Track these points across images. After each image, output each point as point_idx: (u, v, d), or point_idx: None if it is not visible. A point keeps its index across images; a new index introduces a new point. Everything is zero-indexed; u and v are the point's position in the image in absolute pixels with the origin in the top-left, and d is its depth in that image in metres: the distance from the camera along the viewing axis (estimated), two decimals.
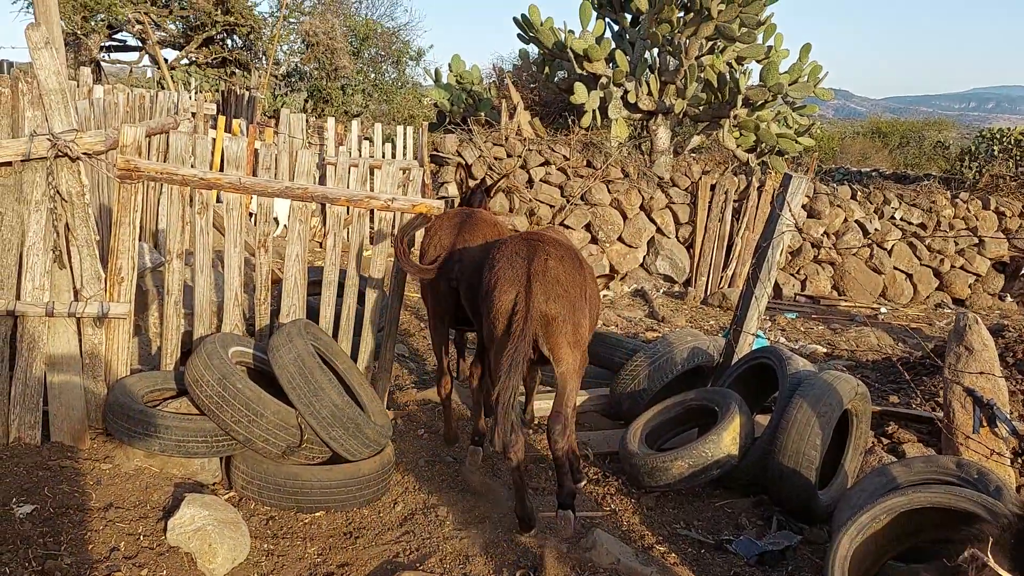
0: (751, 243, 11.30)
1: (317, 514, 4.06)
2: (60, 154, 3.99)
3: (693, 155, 13.14)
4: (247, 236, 4.93)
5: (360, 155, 11.58)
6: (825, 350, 8.78)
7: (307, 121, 12.60)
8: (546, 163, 12.07)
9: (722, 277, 11.92)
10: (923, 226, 12.72)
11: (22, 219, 4.06)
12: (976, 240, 12.60)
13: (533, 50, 13.76)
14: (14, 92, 4.00)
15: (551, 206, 11.91)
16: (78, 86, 8.37)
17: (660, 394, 5.35)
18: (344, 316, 5.01)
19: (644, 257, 12.21)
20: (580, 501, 4.53)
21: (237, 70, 22.31)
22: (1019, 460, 4.54)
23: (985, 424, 4.31)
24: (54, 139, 3.95)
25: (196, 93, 16.48)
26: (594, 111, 12.28)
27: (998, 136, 17.35)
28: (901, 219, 12.72)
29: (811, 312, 11.22)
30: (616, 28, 13.31)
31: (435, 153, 12.12)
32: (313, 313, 5.00)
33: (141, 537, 3.51)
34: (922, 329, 10.53)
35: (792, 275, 12.39)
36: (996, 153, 16.36)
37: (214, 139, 10.36)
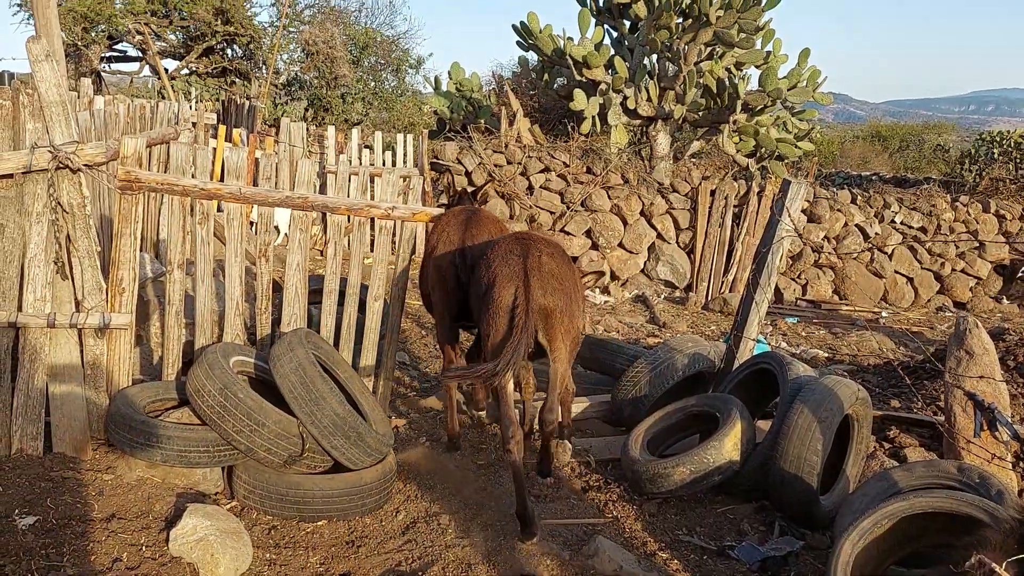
0: (752, 248, 11.30)
1: (319, 523, 4.06)
2: (61, 166, 4.01)
3: (693, 161, 13.17)
4: (248, 245, 4.94)
5: (361, 163, 11.60)
6: (826, 355, 8.77)
7: (307, 130, 12.62)
8: (546, 170, 12.09)
9: (723, 282, 11.92)
10: (923, 230, 12.72)
11: (23, 231, 4.07)
12: (977, 243, 12.61)
13: (532, 57, 13.81)
14: (15, 104, 4.02)
15: (551, 212, 11.93)
16: (79, 97, 8.40)
17: (661, 400, 5.35)
18: (345, 325, 5.02)
19: (645, 263, 12.22)
20: (582, 508, 4.54)
21: (237, 80, 22.37)
22: (1021, 464, 4.53)
23: (986, 428, 4.31)
24: (55, 151, 3.97)
25: (196, 103, 16.53)
26: (594, 117, 12.30)
27: (998, 139, 17.39)
28: (901, 223, 12.73)
29: (812, 316, 11.22)
30: (615, 35, 13.35)
31: (435, 161, 12.14)
32: (314, 322, 5.02)
33: (143, 548, 3.52)
34: (923, 333, 10.52)
35: (793, 280, 12.39)
36: (996, 156, 16.39)
37: (214, 149, 10.39)
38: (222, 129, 11.31)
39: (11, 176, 3.99)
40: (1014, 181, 14.18)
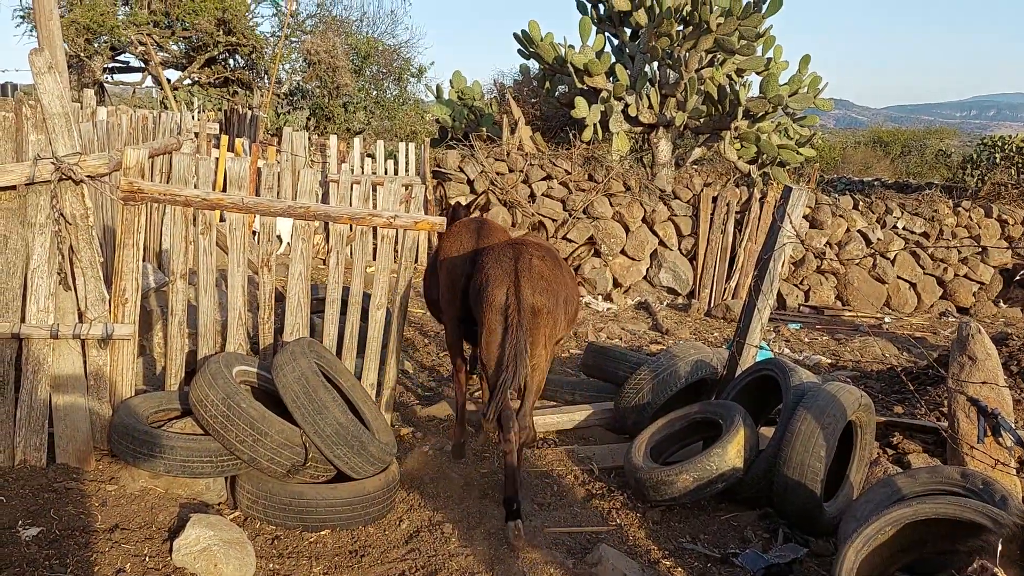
0: (753, 254, 11.30)
1: (322, 532, 4.06)
2: (64, 177, 4.02)
3: (695, 167, 13.18)
4: (250, 255, 4.95)
5: (363, 172, 11.63)
6: (829, 361, 8.76)
7: (310, 139, 12.64)
8: (548, 177, 12.11)
9: (725, 289, 11.92)
10: (926, 235, 12.72)
11: (27, 242, 4.08)
12: (979, 248, 12.60)
13: (534, 65, 13.85)
14: (18, 116, 4.04)
15: (553, 220, 11.95)
16: (82, 108, 8.44)
17: (664, 407, 5.35)
18: (348, 334, 5.02)
19: (647, 270, 12.22)
20: (585, 516, 4.53)
21: (239, 89, 22.43)
22: None
23: (990, 434, 4.30)
24: (58, 162, 3.99)
25: (199, 113, 16.57)
26: (595, 125, 12.33)
27: (1000, 144, 17.39)
28: (904, 228, 12.73)
29: (815, 322, 11.20)
30: (616, 42, 13.39)
31: (437, 169, 12.17)
32: (317, 331, 5.02)
33: (147, 558, 3.52)
34: (926, 338, 10.50)
35: (796, 286, 12.38)
36: (998, 161, 16.39)
37: (217, 159, 10.41)
38: (224, 139, 11.35)
39: (14, 188, 4.01)
40: (1016, 186, 14.18)
